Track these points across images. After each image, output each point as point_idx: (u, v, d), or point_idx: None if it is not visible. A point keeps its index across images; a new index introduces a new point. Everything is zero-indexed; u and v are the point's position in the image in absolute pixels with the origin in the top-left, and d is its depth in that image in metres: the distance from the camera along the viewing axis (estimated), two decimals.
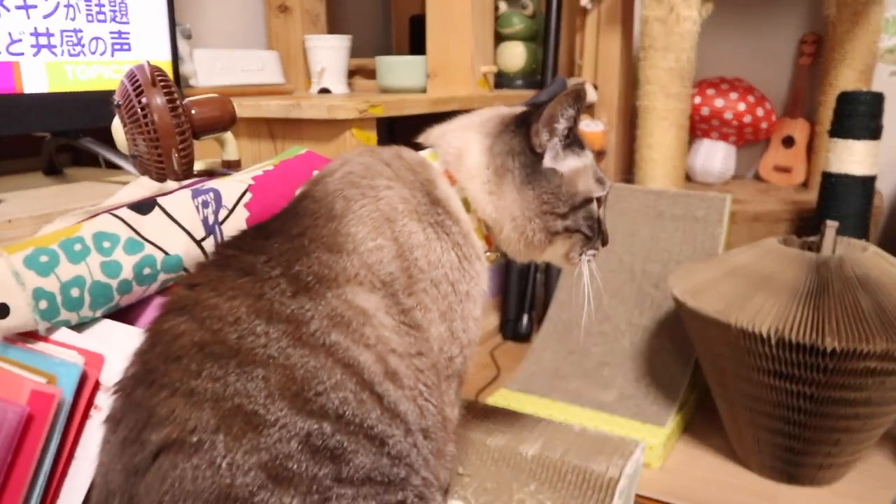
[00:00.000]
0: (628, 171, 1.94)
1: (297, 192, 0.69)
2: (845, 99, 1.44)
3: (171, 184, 1.11)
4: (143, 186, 1.11)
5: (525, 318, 1.81)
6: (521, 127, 0.69)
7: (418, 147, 0.75)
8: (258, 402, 0.52)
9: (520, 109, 0.73)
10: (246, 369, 0.52)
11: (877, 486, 1.24)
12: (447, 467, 0.65)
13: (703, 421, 1.43)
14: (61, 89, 1.27)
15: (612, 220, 1.63)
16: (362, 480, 0.54)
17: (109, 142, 1.18)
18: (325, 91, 1.88)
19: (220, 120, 1.18)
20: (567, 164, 0.69)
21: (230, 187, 0.93)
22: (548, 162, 0.68)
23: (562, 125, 0.68)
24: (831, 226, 1.24)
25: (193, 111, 1.14)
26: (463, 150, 0.69)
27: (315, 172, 0.71)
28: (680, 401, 1.39)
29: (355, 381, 0.55)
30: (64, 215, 0.92)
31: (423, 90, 1.72)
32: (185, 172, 1.12)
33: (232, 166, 1.37)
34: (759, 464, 1.26)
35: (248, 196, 0.93)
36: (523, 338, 1.80)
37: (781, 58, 1.96)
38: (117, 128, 1.15)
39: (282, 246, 0.59)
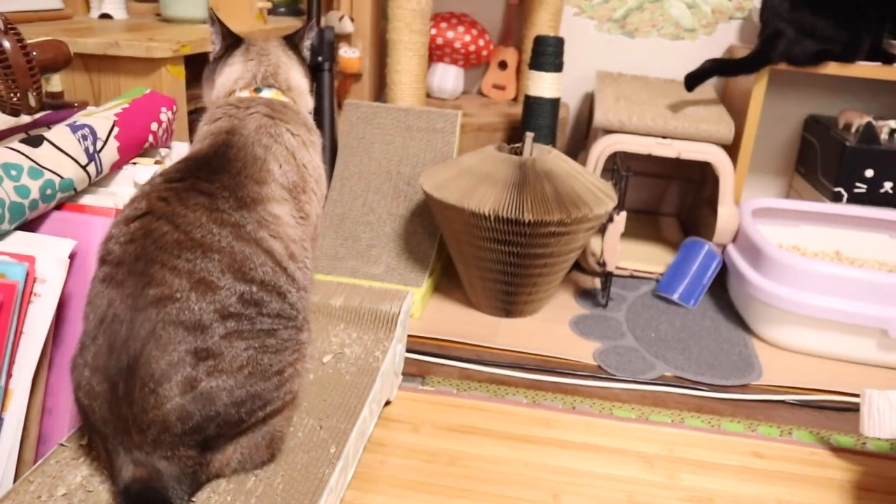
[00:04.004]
0: (380, 92, 2.35)
1: (212, 136, 1.04)
2: (538, 41, 1.95)
3: (24, 118, 1.32)
4: None
5: None
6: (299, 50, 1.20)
7: None
8: (214, 275, 0.88)
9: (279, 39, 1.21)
10: (207, 255, 0.88)
11: (561, 312, 1.83)
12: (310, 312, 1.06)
13: (446, 283, 1.95)
14: None
15: (370, 133, 2.05)
16: (275, 315, 0.93)
17: None
18: (105, 16, 2.03)
19: (56, 60, 1.39)
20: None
21: (100, 123, 1.20)
22: None
23: None
24: (529, 136, 1.76)
25: (33, 53, 1.34)
26: (294, 84, 1.16)
27: (222, 121, 1.05)
28: (430, 269, 1.88)
29: (272, 261, 0.93)
30: None
31: (205, 21, 1.96)
32: (39, 108, 1.33)
33: (56, 97, 1.56)
34: (487, 306, 1.80)
35: (116, 129, 1.21)
36: None
37: None
38: None
39: (229, 180, 0.95)
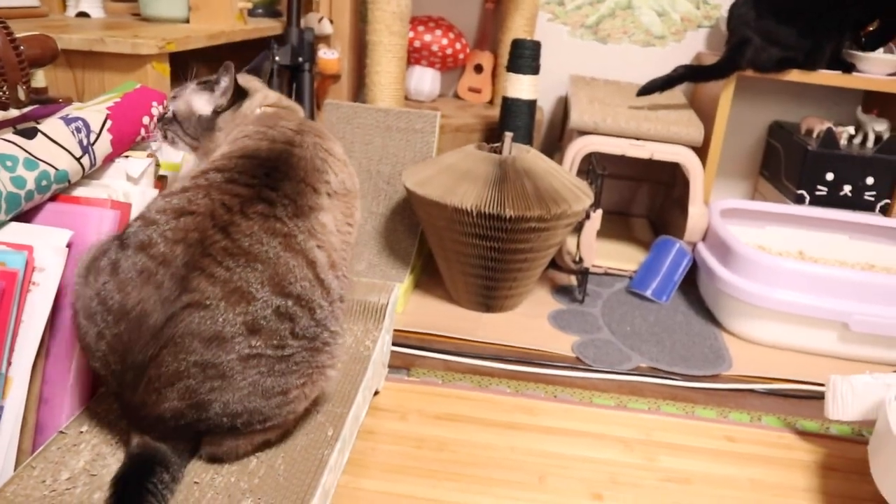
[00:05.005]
0: (359, 92, 2.38)
1: (269, 140, 1.05)
2: (516, 44, 2.01)
3: (13, 111, 1.33)
4: None
5: None
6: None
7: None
8: (253, 285, 0.89)
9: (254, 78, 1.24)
10: (251, 264, 0.90)
11: (540, 307, 1.89)
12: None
13: (427, 280, 1.99)
14: None
15: (350, 132, 2.08)
16: (301, 336, 0.93)
17: None
18: (83, 15, 2.03)
19: (44, 55, 1.40)
20: None
21: (93, 116, 1.22)
22: None
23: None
24: (508, 135, 1.81)
25: (22, 47, 1.35)
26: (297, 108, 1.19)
27: (273, 127, 1.08)
28: (411, 265, 1.92)
29: (312, 273, 0.95)
30: None
31: (186, 21, 1.97)
32: (28, 102, 1.34)
33: (40, 93, 1.57)
34: (467, 301, 1.84)
35: (109, 123, 1.22)
36: None
37: (473, 2, 2.50)
38: None
39: (292, 187, 0.98)
